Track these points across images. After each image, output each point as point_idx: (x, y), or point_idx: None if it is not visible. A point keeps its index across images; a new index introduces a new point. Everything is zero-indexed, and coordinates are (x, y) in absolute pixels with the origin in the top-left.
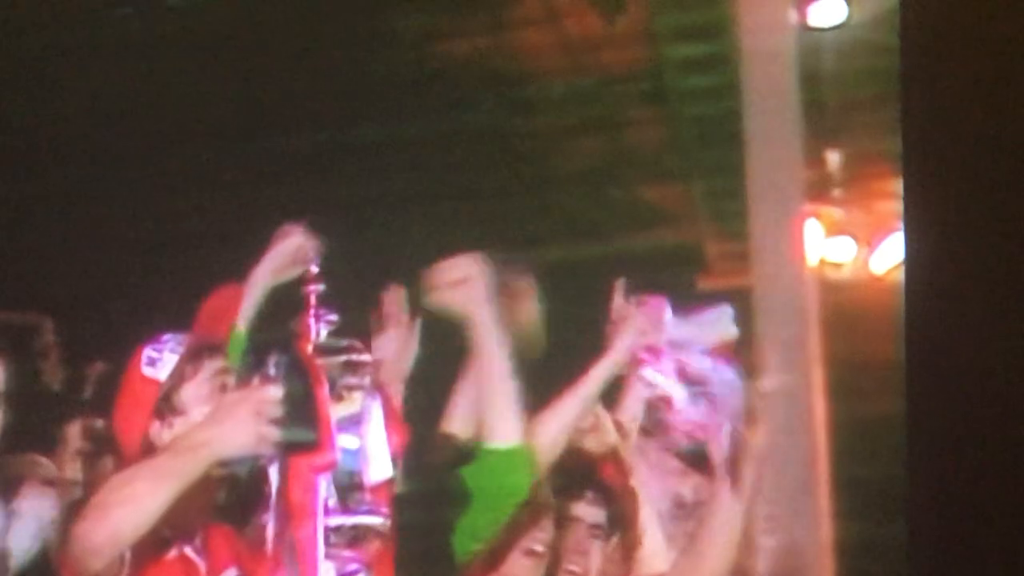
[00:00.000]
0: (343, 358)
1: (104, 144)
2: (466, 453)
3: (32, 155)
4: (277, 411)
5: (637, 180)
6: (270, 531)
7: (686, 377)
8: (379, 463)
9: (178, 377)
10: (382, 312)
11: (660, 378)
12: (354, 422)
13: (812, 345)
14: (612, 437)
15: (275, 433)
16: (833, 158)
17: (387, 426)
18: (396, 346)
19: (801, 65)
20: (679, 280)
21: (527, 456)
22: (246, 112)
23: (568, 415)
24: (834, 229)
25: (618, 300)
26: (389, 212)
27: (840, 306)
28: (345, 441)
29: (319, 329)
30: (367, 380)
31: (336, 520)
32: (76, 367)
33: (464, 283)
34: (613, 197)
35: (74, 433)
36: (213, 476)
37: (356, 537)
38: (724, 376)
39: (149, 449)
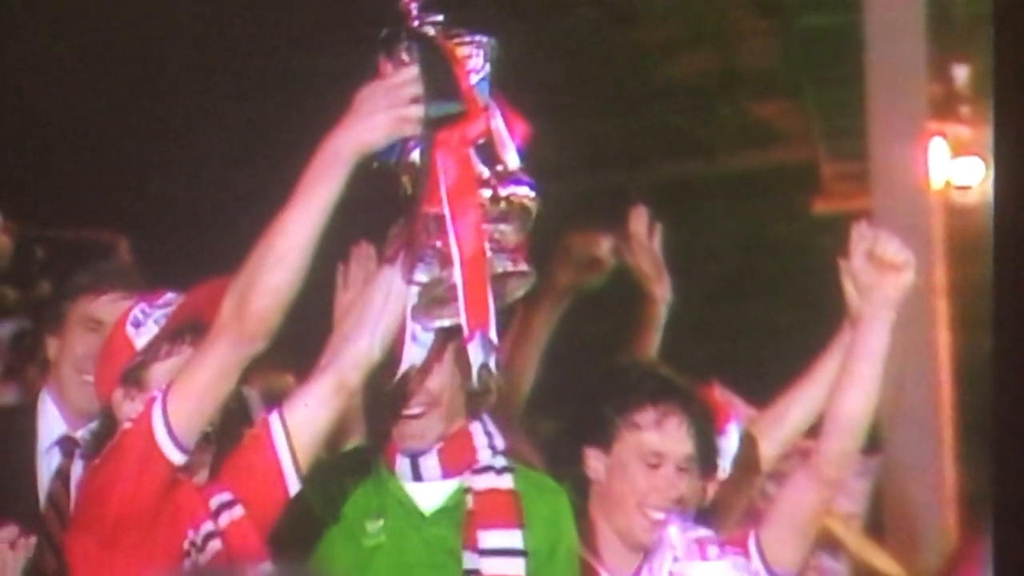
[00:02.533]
0: (458, 40)
1: (187, 61)
2: None
3: (114, 75)
4: (416, 90)
5: (748, 96)
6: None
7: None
8: (509, 154)
9: (152, 353)
10: None
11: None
12: None
13: (937, 273)
14: None
15: (417, 112)
16: (960, 73)
17: (507, 120)
18: None
19: None
20: (793, 203)
21: None
22: (329, 28)
23: None
24: (961, 149)
25: None
26: None
27: (966, 231)
28: None
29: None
30: (486, 68)
31: (488, 191)
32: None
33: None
34: (722, 114)
35: None
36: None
37: (506, 212)
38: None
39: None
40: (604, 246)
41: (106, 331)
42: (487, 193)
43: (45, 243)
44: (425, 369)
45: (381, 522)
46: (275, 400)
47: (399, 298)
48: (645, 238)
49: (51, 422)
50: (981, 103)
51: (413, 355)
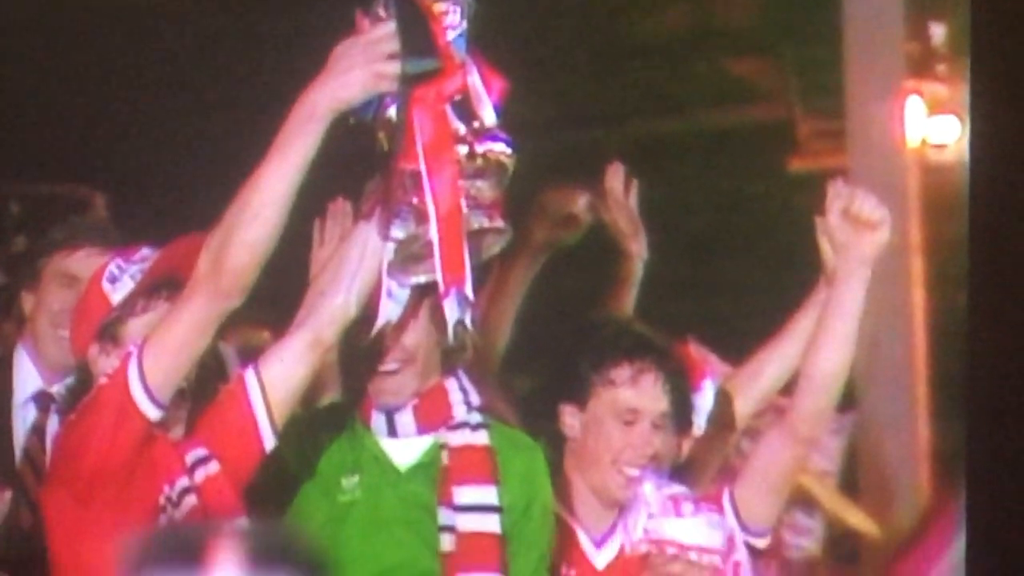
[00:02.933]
0: None
1: (162, 15)
2: None
3: (89, 30)
4: (392, 46)
5: (725, 53)
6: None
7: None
8: (486, 111)
9: (128, 309)
10: None
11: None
12: None
13: (912, 231)
14: None
15: (394, 68)
16: (937, 31)
17: (484, 77)
18: None
19: None
20: (769, 160)
21: None
22: None
23: None
24: (937, 107)
25: None
26: None
27: (942, 190)
28: None
29: None
30: (462, 25)
31: (464, 148)
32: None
33: None
34: (698, 71)
35: None
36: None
37: (483, 169)
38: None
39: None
40: (580, 203)
41: (82, 286)
42: (463, 149)
43: (20, 198)
44: (401, 325)
45: (356, 478)
46: (251, 356)
47: (375, 254)
48: (621, 195)
49: (26, 377)
50: (958, 61)
51: (389, 311)
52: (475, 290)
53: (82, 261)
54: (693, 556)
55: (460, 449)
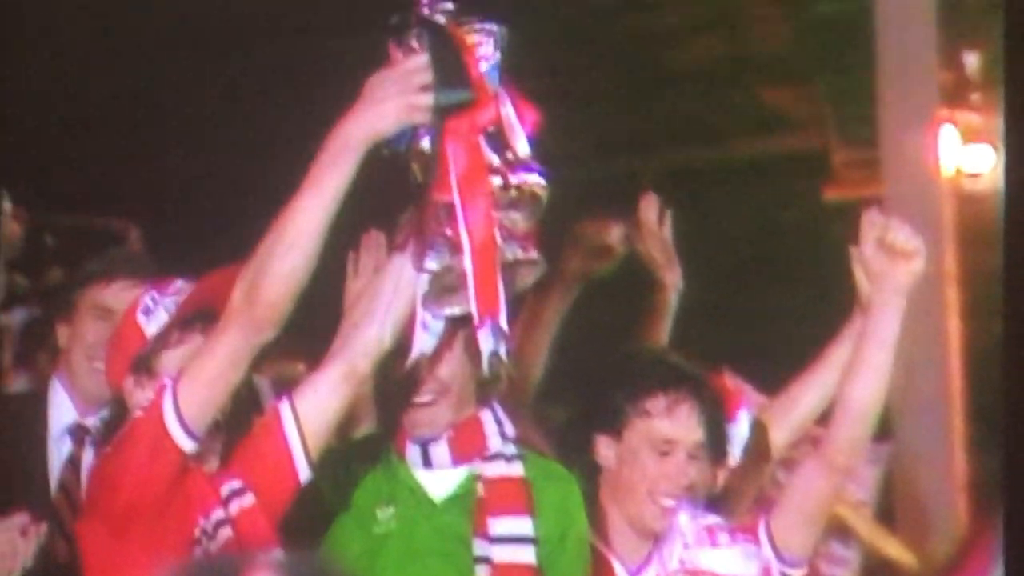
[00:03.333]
0: (468, 27)
1: (197, 47)
2: None
3: (124, 62)
4: (425, 78)
5: (759, 83)
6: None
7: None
8: (519, 142)
9: (163, 341)
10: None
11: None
12: None
13: (947, 261)
14: None
15: (427, 99)
16: (971, 60)
17: (517, 108)
18: None
19: None
20: (804, 190)
21: None
22: (339, 15)
23: None
24: (971, 136)
25: None
26: None
27: (977, 219)
28: None
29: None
30: (496, 56)
31: (498, 179)
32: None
33: None
34: (733, 101)
35: None
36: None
37: (517, 200)
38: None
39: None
40: (614, 233)
41: (116, 319)
42: (497, 181)
43: (56, 230)
44: (435, 357)
45: (391, 509)
46: (285, 388)
47: (409, 286)
48: (655, 225)
49: (62, 409)
50: (992, 90)
51: (423, 343)
52: (509, 321)
53: (117, 293)
54: None
55: (495, 480)
